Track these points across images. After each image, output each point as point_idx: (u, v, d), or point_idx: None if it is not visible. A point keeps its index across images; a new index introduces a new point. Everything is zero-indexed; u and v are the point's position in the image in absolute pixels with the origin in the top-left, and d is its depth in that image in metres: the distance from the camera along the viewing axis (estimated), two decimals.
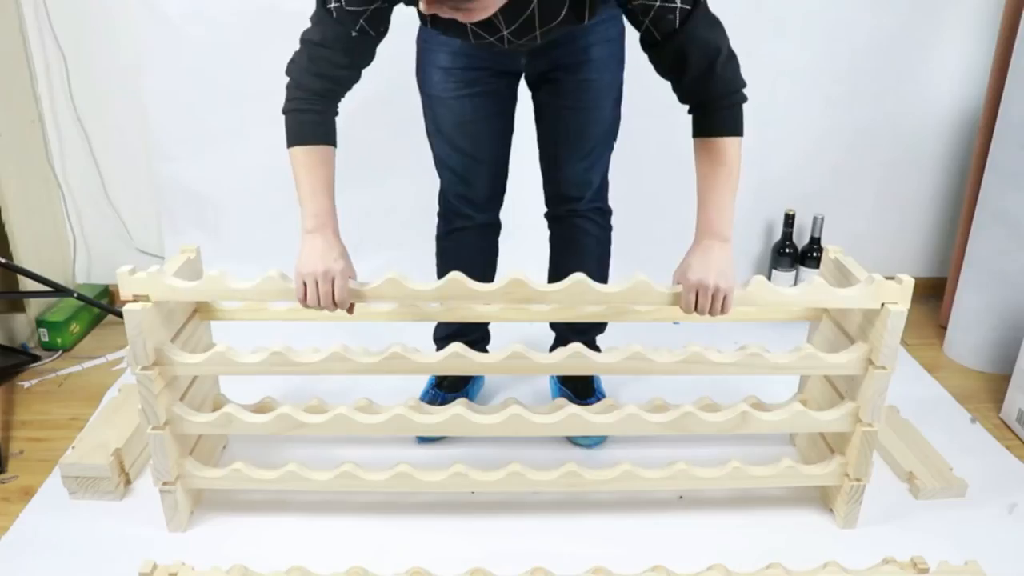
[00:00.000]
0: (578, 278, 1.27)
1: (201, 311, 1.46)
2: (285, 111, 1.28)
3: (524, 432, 1.36)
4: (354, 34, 1.21)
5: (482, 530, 1.44)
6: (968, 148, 2.26)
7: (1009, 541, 1.43)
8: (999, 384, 1.92)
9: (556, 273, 1.66)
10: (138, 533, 1.41)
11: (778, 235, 2.27)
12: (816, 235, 2.18)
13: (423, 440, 1.66)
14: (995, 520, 1.48)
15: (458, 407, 1.37)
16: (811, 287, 1.29)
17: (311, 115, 1.26)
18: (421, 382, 1.77)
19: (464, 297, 1.28)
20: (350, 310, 1.29)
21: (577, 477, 1.40)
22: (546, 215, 1.67)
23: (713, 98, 1.23)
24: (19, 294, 2.03)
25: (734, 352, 1.33)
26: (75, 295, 2.03)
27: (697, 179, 1.28)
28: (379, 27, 1.24)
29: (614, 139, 1.58)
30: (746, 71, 2.23)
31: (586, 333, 1.72)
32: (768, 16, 2.09)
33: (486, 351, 1.73)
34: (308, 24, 1.25)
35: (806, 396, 1.60)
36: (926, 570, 1.26)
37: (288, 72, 1.28)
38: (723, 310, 1.25)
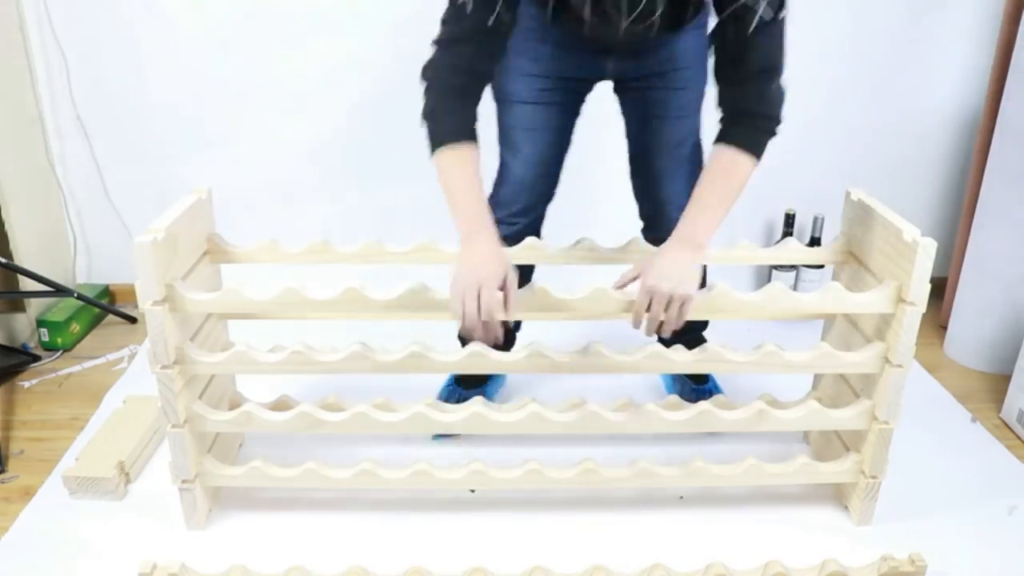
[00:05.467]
0: (598, 285, 1.27)
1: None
2: (425, 114, 1.23)
3: (543, 430, 1.37)
4: (490, 23, 1.17)
5: (482, 529, 1.44)
6: (968, 148, 2.26)
7: (1009, 542, 1.43)
8: (999, 384, 1.92)
9: None
10: (138, 533, 1.41)
11: (778, 235, 2.27)
12: (816, 235, 2.18)
13: (438, 437, 1.67)
14: (995, 520, 1.48)
15: (476, 405, 1.38)
16: (828, 293, 1.30)
17: (452, 116, 1.22)
18: (438, 381, 1.78)
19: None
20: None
21: (595, 475, 1.41)
22: (645, 236, 1.58)
23: (751, 113, 1.24)
24: (19, 294, 2.03)
25: (751, 351, 1.33)
26: (75, 295, 2.04)
27: (696, 185, 1.26)
28: (511, 13, 1.20)
29: (701, 156, 1.56)
30: None
31: (689, 332, 1.69)
32: None
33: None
34: (439, 29, 1.23)
35: (820, 394, 1.60)
36: (924, 567, 1.27)
37: (424, 75, 1.24)
38: (678, 319, 1.18)
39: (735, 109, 1.25)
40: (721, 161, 1.24)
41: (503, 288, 1.17)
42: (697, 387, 1.77)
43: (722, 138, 1.25)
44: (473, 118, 1.24)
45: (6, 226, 1.98)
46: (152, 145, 2.16)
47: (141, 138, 2.16)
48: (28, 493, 1.52)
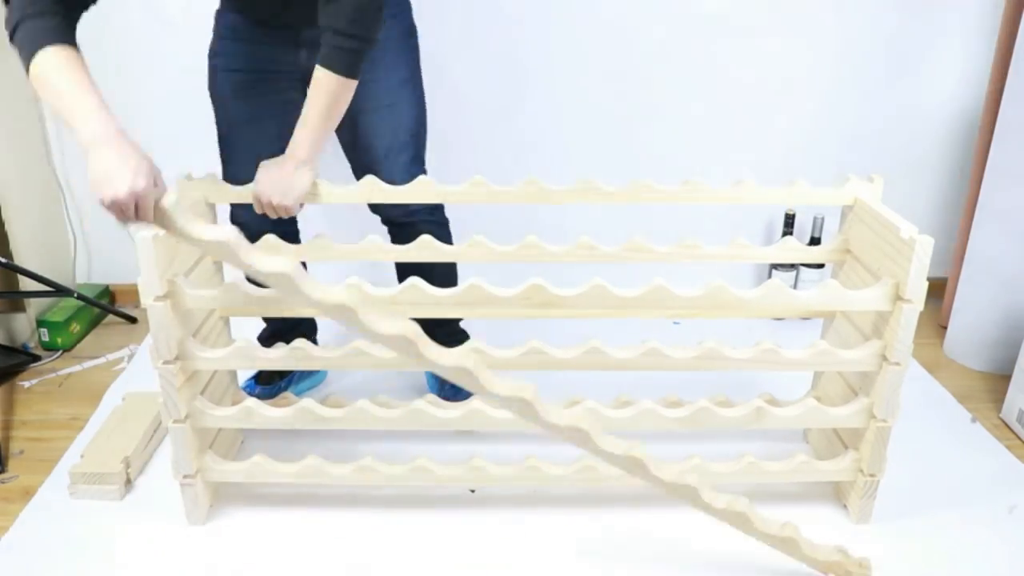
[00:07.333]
0: (597, 283, 1.28)
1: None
2: (15, 24, 1.09)
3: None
4: None
5: (481, 529, 1.44)
6: (968, 148, 2.26)
7: (1009, 541, 1.43)
8: (999, 384, 1.92)
9: (405, 274, 1.57)
10: (139, 531, 1.41)
11: (778, 235, 2.28)
12: (816, 235, 2.18)
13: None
14: (995, 520, 1.48)
15: (475, 402, 1.38)
16: (825, 291, 1.30)
17: (53, 19, 1.11)
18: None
19: (484, 303, 1.29)
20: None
21: (593, 472, 1.41)
22: (382, 221, 1.64)
23: (337, 31, 1.23)
24: (19, 294, 2.03)
25: (750, 348, 1.33)
26: (75, 295, 2.04)
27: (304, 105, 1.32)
28: None
29: (424, 138, 1.59)
30: (747, 72, 2.23)
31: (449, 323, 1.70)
32: (768, 16, 2.09)
33: (316, 342, 1.70)
34: None
35: (819, 392, 1.60)
36: (868, 569, 1.27)
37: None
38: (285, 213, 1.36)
39: (326, 27, 1.24)
40: (318, 83, 1.27)
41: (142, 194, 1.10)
42: (457, 386, 1.74)
43: (320, 61, 1.27)
44: (72, 27, 1.14)
45: (6, 226, 1.98)
46: (152, 145, 2.15)
47: (141, 139, 2.15)
48: (28, 493, 1.52)
